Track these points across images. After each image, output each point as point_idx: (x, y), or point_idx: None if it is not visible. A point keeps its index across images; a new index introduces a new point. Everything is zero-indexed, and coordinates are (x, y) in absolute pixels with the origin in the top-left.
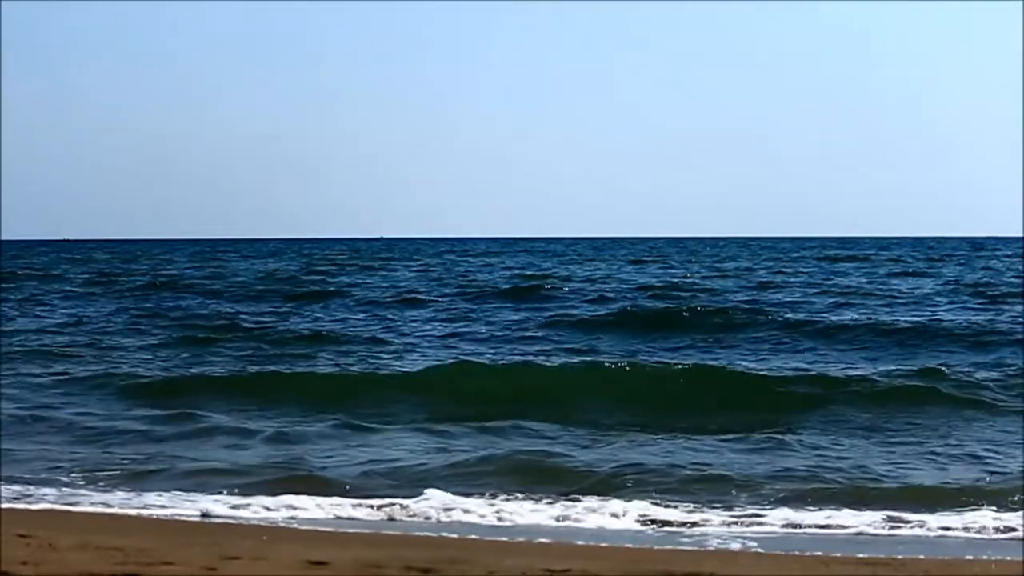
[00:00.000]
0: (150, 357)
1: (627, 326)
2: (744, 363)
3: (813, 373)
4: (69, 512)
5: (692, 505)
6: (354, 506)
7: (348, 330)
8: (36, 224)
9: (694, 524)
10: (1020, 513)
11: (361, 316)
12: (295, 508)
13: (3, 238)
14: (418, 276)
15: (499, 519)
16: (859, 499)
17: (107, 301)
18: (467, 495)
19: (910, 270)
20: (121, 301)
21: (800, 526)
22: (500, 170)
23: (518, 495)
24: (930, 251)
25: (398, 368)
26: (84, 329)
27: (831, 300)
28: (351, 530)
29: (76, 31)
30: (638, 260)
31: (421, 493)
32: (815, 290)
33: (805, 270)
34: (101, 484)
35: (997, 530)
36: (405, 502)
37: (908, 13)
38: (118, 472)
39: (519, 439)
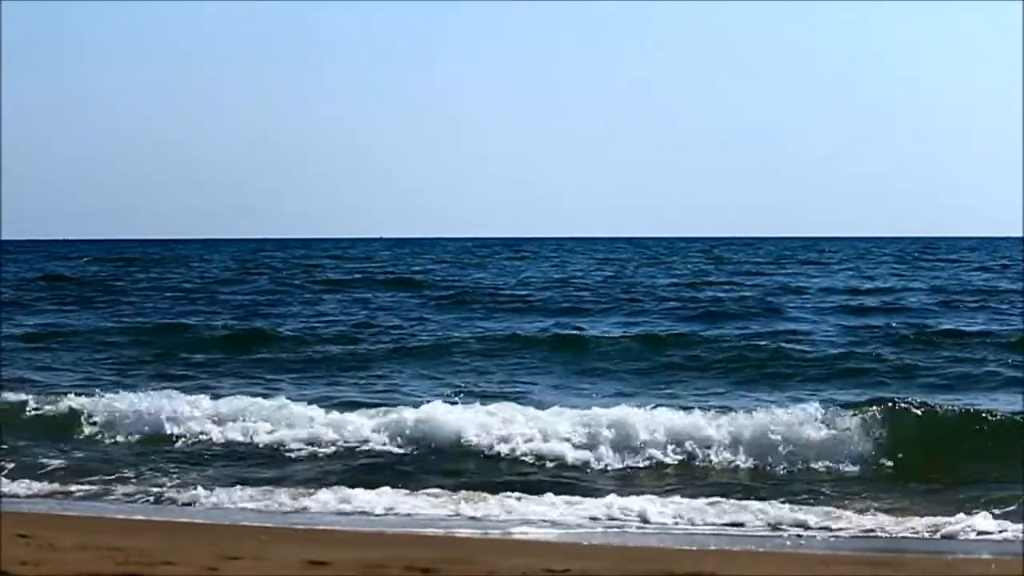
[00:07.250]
0: None
1: None
2: None
3: None
4: (69, 512)
5: None
6: None
7: None
8: (34, 224)
9: None
10: (1020, 514)
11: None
12: None
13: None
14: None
15: None
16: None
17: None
18: None
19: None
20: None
21: (804, 526)
22: (502, 170)
23: None
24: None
25: None
26: None
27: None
28: (350, 528)
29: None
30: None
31: None
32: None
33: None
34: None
35: (997, 530)
36: None
37: (908, 13)
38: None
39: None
